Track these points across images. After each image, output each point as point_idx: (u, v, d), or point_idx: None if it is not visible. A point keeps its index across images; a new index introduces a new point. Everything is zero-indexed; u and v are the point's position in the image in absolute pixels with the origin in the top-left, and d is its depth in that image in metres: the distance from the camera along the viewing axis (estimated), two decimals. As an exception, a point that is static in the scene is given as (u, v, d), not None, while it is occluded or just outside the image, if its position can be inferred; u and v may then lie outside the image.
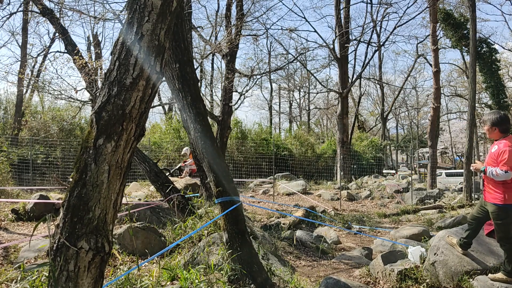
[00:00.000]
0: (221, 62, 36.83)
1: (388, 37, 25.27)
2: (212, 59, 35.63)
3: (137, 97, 2.26)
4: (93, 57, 16.50)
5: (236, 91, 16.86)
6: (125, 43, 2.27)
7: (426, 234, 8.54)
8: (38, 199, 10.48)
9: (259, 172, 23.33)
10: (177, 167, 17.42)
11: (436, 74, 20.82)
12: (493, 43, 27.08)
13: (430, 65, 23.59)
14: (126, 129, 2.24)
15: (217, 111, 24.42)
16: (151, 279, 4.35)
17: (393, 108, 45.68)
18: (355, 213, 13.67)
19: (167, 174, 17.10)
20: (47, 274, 3.86)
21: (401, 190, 17.50)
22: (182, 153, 17.88)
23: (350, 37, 24.20)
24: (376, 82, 44.24)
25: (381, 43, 28.00)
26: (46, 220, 2.34)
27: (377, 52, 34.89)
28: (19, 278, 4.44)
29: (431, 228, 10.39)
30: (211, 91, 38.04)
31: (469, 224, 5.30)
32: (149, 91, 2.31)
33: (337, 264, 7.06)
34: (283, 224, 9.62)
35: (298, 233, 8.56)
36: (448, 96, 43.55)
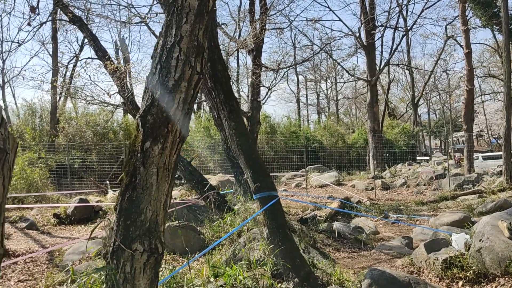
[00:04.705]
0: (245, 57, 36.78)
1: (416, 20, 24.73)
2: (237, 56, 35.65)
3: (180, 99, 2.28)
4: (122, 61, 16.81)
5: (264, 86, 16.83)
6: (165, 46, 2.29)
7: (468, 220, 8.33)
8: (78, 202, 10.79)
9: (291, 166, 23.28)
10: None
11: (468, 55, 20.22)
12: (526, 19, 26.03)
13: (461, 46, 22.94)
14: (172, 131, 2.27)
15: (244, 107, 24.52)
16: (199, 276, 4.41)
17: (424, 93, 44.59)
18: (391, 202, 13.47)
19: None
20: (96, 276, 3.96)
21: (437, 176, 17.12)
22: None
23: (376, 23, 23.77)
24: (405, 68, 43.32)
25: (409, 28, 27.40)
26: (99, 223, 2.39)
27: (405, 37, 34.09)
28: (69, 281, 4.58)
29: (472, 214, 10.13)
30: (238, 87, 38.09)
31: None
32: (191, 92, 2.32)
33: (377, 255, 6.98)
34: (319, 216, 9.57)
35: (336, 224, 8.50)
36: (481, 77, 42.19)
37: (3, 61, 24.92)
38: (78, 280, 4.11)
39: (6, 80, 25.43)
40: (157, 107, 2.24)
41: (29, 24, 10.55)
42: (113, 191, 14.07)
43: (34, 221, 9.91)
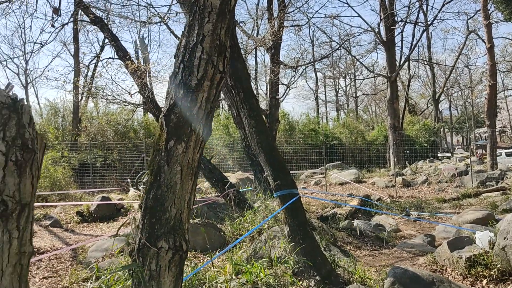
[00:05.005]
0: (264, 55, 36.76)
1: (437, 15, 24.35)
2: (256, 53, 35.58)
3: (203, 98, 2.30)
4: (142, 61, 17.01)
5: (282, 83, 16.80)
6: (188, 45, 2.31)
7: (492, 217, 8.19)
8: (100, 200, 10.96)
9: (310, 163, 23.20)
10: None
11: (490, 50, 19.79)
12: (551, 12, 25.32)
13: (483, 41, 22.48)
14: (195, 129, 2.29)
15: (263, 105, 24.52)
16: (221, 274, 4.45)
17: (445, 88, 43.84)
18: (412, 199, 13.32)
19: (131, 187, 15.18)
20: (120, 273, 4.03)
21: (459, 173, 16.84)
22: None
23: (396, 18, 23.47)
24: (426, 63, 42.68)
25: (429, 22, 26.95)
26: (125, 221, 2.43)
27: (425, 32, 33.56)
28: (93, 278, 4.65)
29: (496, 211, 9.95)
30: (256, 85, 38.08)
31: None
32: (214, 91, 2.34)
33: (399, 253, 6.91)
34: (339, 214, 9.52)
35: (357, 222, 8.44)
36: (503, 72, 41.28)
37: (26, 62, 25.45)
38: (102, 277, 4.18)
39: (29, 81, 25.96)
40: (180, 107, 2.27)
41: (52, 26, 10.71)
42: (134, 189, 14.21)
43: (57, 218, 10.11)
